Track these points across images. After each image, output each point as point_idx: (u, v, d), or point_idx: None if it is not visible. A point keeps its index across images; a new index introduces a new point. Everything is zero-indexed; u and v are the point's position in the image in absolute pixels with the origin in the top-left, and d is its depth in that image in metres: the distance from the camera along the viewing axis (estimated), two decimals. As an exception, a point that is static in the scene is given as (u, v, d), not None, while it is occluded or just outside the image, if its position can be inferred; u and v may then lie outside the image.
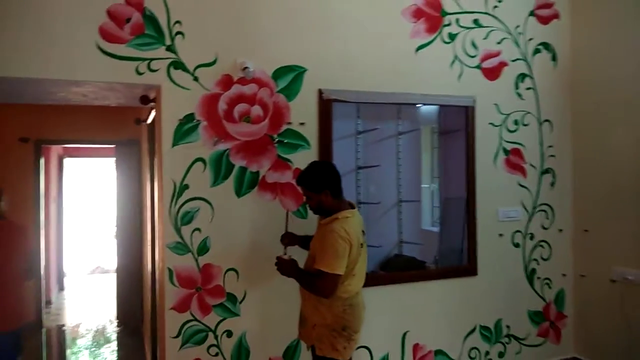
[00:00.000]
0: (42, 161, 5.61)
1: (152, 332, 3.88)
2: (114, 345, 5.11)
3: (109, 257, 9.66)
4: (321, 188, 2.53)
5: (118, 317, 5.66)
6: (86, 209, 10.06)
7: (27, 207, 5.52)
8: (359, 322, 2.60)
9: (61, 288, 7.57)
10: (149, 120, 3.86)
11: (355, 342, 2.60)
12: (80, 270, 9.21)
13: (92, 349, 5.06)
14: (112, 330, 5.53)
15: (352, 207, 2.64)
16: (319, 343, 2.55)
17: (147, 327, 4.63)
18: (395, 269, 3.83)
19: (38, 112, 5.34)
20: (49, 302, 5.97)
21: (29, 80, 2.72)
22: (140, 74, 2.80)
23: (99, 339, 5.36)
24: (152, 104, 3.18)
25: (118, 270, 5.69)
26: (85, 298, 7.36)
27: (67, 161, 7.67)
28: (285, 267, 2.62)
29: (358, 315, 2.59)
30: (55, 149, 7.18)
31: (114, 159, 5.92)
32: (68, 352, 5.00)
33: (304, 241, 2.86)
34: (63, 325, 5.73)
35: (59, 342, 5.28)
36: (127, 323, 5.43)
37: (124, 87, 2.94)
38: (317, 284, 2.46)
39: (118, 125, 5.73)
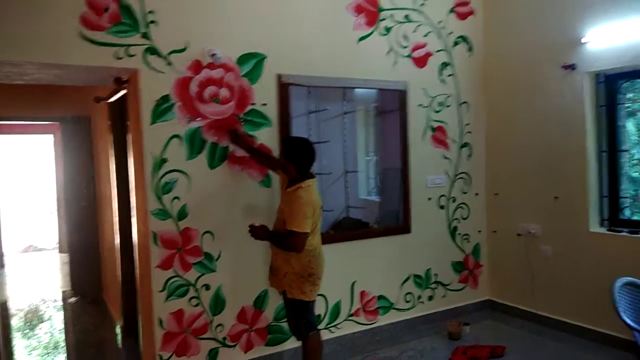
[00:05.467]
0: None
1: (124, 294, 4.20)
2: (78, 313, 5.26)
3: (45, 234, 9.52)
4: (289, 159, 2.98)
5: (73, 289, 5.81)
6: (16, 186, 9.75)
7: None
8: (321, 270, 3.10)
9: (1, 265, 7.48)
10: (112, 99, 4.10)
11: (318, 287, 3.10)
12: (14, 249, 9.01)
13: (57, 318, 5.23)
14: (71, 300, 5.67)
15: (312, 176, 3.09)
16: (290, 288, 3.04)
17: (112, 294, 4.93)
18: (344, 229, 4.38)
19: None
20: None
21: (13, 62, 2.90)
22: (119, 58, 3.05)
23: (60, 309, 5.52)
24: (125, 84, 3.46)
25: (71, 246, 5.80)
26: (28, 274, 7.34)
27: (3, 138, 7.47)
28: (258, 232, 3.04)
29: (320, 264, 3.09)
30: (-12, 127, 7.01)
31: (60, 135, 5.95)
32: (32, 322, 5.13)
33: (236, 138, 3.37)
34: (14, 299, 5.82)
35: (19, 313, 5.38)
36: (85, 294, 5.60)
37: (102, 70, 3.17)
38: (289, 241, 2.91)
39: (60, 103, 5.69)
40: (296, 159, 2.97)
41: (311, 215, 2.92)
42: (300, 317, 3.06)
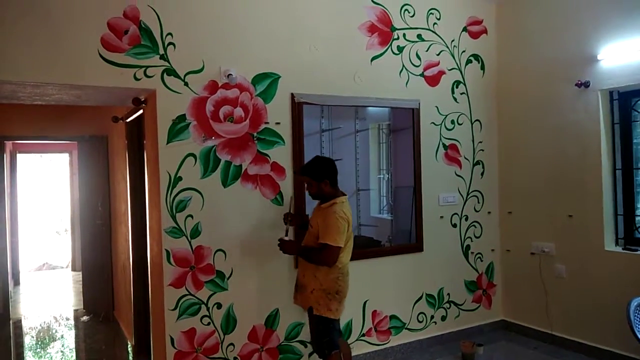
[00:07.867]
0: (5, 157, 5.67)
1: (136, 312, 4.21)
2: (90, 332, 5.28)
3: (59, 253, 9.60)
4: (322, 178, 3.05)
5: (85, 307, 5.84)
6: (31, 205, 9.87)
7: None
8: (347, 288, 3.13)
9: (17, 283, 7.54)
10: (129, 119, 4.18)
11: (343, 306, 3.12)
12: (28, 267, 9.09)
13: (69, 336, 5.26)
14: (83, 319, 5.69)
15: (344, 194, 3.16)
16: (317, 304, 3.05)
17: (124, 312, 4.94)
18: (356, 248, 4.35)
19: (-1, 110, 5.31)
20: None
21: (36, 83, 2.98)
22: (137, 79, 3.13)
23: (72, 328, 5.54)
24: (143, 104, 3.53)
25: (84, 264, 5.84)
26: (41, 292, 7.40)
27: (20, 157, 7.61)
28: (289, 246, 3.13)
29: (347, 282, 3.13)
30: (7, 145, 7.11)
31: (77, 154, 6.03)
32: (45, 340, 5.16)
33: (301, 223, 3.40)
34: (27, 317, 5.85)
35: (32, 332, 5.41)
36: (97, 312, 5.62)
37: (121, 90, 3.26)
38: (322, 255, 2.96)
39: (78, 122, 5.79)
40: (327, 174, 3.06)
41: (345, 230, 2.97)
42: (325, 334, 3.06)
